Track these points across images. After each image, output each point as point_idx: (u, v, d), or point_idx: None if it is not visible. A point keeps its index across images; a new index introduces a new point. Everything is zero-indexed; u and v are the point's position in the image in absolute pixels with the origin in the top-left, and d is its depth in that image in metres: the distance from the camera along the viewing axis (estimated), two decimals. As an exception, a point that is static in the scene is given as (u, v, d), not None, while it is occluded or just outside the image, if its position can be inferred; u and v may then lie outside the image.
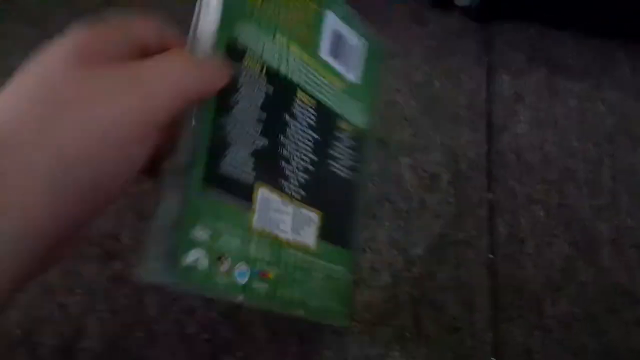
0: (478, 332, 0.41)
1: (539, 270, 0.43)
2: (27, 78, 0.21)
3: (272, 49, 0.33)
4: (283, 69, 0.34)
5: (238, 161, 0.30)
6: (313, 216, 0.36)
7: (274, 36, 0.34)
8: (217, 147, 0.29)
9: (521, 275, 0.43)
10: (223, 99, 0.29)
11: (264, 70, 0.32)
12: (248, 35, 0.31)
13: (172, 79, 0.22)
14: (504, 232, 0.45)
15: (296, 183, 0.34)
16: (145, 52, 0.23)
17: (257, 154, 0.31)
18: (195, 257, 0.26)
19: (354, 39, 0.41)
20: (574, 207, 0.46)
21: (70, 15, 0.22)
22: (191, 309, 0.40)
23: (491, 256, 0.44)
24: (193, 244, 0.26)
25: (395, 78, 0.53)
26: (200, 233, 0.27)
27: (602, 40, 0.56)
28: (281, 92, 0.34)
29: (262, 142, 0.32)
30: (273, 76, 0.33)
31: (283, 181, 0.33)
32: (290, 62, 0.35)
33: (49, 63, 0.21)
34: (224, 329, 0.40)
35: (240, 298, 0.29)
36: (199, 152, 0.27)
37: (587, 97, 0.52)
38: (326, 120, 0.38)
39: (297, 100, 0.35)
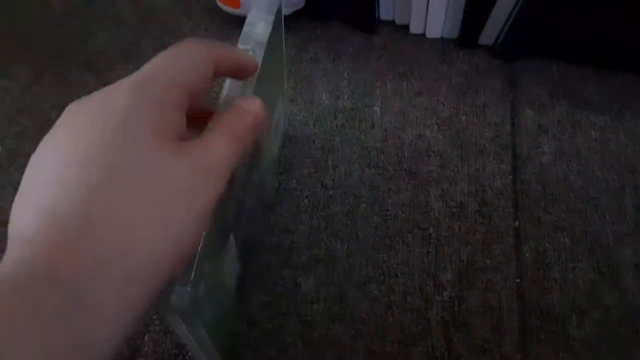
0: (507, 353, 0.43)
1: (564, 294, 0.45)
2: (103, 151, 0.21)
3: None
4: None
5: (231, 208, 0.34)
6: (237, 268, 0.40)
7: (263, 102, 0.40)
8: (228, 190, 0.33)
9: (547, 299, 0.45)
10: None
11: None
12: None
13: (228, 165, 0.25)
14: (531, 258, 0.47)
15: (240, 235, 0.39)
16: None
17: (236, 204, 0.35)
18: (202, 288, 0.29)
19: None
20: (597, 234, 0.48)
21: (133, 68, 0.25)
22: (234, 332, 0.44)
23: (518, 281, 0.46)
24: (204, 277, 0.29)
25: (423, 113, 0.56)
26: (207, 270, 0.30)
27: (624, 75, 0.58)
28: (254, 153, 0.39)
29: (240, 194, 0.36)
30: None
31: (238, 232, 0.38)
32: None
33: (133, 139, 0.22)
34: (265, 349, 0.43)
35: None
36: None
37: (608, 128, 0.54)
38: (261, 186, 0.44)
39: (257, 164, 0.41)
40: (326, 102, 0.58)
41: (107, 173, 0.21)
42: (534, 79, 0.59)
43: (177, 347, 0.43)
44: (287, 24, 0.63)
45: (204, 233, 0.28)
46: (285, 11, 0.61)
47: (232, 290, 0.40)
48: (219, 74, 0.28)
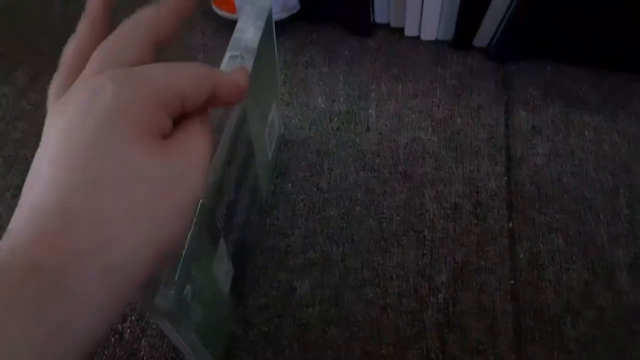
0: (502, 355, 0.43)
1: (558, 295, 0.45)
2: (85, 151, 0.22)
3: (253, 119, 0.39)
4: (251, 138, 0.39)
5: (221, 211, 0.34)
6: (231, 271, 0.40)
7: (257, 107, 0.40)
8: (218, 194, 0.33)
9: (542, 299, 0.45)
10: (231, 153, 0.33)
11: (246, 135, 0.38)
12: (248, 106, 0.37)
13: (205, 161, 0.25)
14: (525, 259, 0.47)
15: (232, 238, 0.39)
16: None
17: (227, 207, 0.36)
18: (187, 290, 0.29)
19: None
20: (591, 235, 0.48)
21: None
22: (232, 334, 0.44)
23: (512, 282, 0.46)
24: (189, 280, 0.29)
25: (418, 116, 0.57)
26: (194, 271, 0.30)
27: (617, 74, 0.58)
28: (247, 156, 0.39)
29: (232, 197, 0.37)
30: (247, 142, 0.38)
31: (229, 235, 0.38)
32: (256, 132, 0.41)
33: (115, 138, 0.22)
34: (262, 351, 0.43)
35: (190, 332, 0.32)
36: (209, 196, 0.31)
37: (602, 128, 0.54)
38: (255, 190, 0.44)
39: (250, 167, 0.41)
40: (322, 105, 0.58)
41: (88, 172, 0.22)
42: (528, 80, 0.59)
43: (173, 351, 0.43)
44: (283, 28, 0.64)
45: (189, 235, 0.28)
46: (281, 15, 0.62)
47: (225, 293, 0.40)
48: (214, 103, 0.28)
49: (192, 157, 0.25)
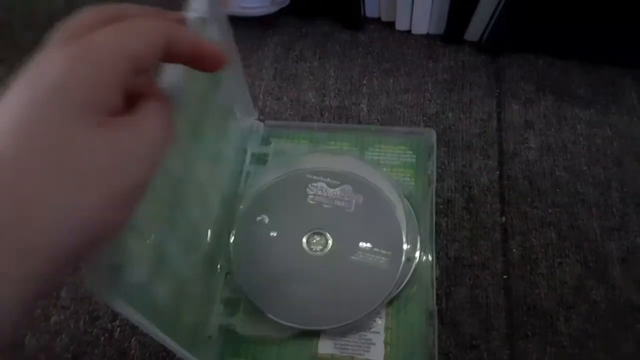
0: (495, 350, 0.43)
1: (551, 289, 0.45)
2: (23, 128, 0.21)
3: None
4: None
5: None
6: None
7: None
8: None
9: (535, 294, 0.45)
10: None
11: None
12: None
13: (157, 149, 0.24)
14: (517, 254, 0.47)
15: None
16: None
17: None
18: (133, 269, 0.28)
19: None
20: (584, 229, 0.48)
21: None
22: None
23: (505, 277, 0.46)
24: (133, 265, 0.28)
25: (410, 110, 0.56)
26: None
27: (609, 68, 0.58)
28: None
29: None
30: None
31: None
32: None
33: (53, 113, 0.21)
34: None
35: None
36: None
37: (594, 122, 0.54)
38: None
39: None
40: (312, 100, 0.58)
41: (20, 150, 0.21)
42: (520, 74, 0.59)
43: (164, 350, 0.43)
44: (273, 22, 0.63)
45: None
46: (270, 9, 0.61)
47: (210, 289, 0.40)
48: (174, 57, 0.26)
49: (142, 142, 0.23)
